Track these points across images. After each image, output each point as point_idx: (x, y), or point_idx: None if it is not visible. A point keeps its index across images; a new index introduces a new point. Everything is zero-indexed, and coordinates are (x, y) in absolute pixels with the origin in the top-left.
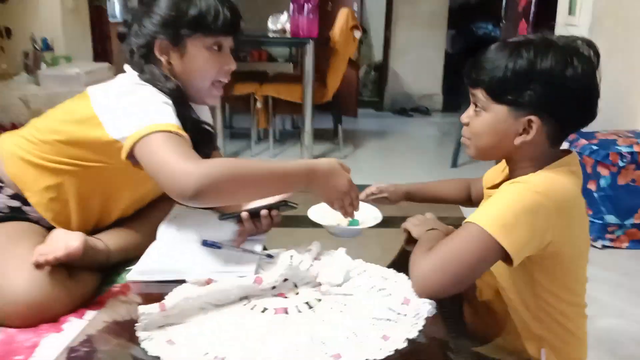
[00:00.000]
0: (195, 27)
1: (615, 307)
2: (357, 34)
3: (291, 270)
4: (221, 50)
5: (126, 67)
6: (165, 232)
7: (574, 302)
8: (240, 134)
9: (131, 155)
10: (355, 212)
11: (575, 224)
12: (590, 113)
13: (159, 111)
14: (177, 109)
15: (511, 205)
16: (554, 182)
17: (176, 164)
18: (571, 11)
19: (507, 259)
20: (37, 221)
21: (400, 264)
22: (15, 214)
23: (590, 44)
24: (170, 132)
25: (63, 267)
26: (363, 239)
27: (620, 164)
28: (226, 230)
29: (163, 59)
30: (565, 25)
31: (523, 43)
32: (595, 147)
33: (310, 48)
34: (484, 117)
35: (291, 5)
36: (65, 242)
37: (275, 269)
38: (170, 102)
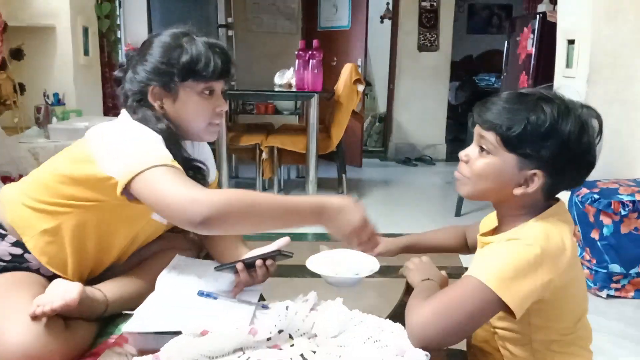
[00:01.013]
0: (187, 75)
1: (621, 357)
2: (361, 88)
3: (286, 321)
4: (212, 94)
5: (122, 110)
6: (163, 282)
7: (572, 352)
8: (246, 183)
9: (127, 191)
10: (353, 262)
11: (570, 274)
12: (583, 179)
13: (152, 147)
14: (168, 148)
15: (510, 259)
16: (550, 235)
17: (184, 193)
18: (568, 64)
19: (508, 311)
20: (38, 269)
21: (399, 314)
22: (17, 262)
23: (598, 118)
24: (166, 165)
25: (60, 318)
26: (361, 289)
27: (623, 212)
28: (223, 281)
29: (156, 104)
30: (563, 77)
31: (544, 99)
32: (596, 196)
33: (314, 101)
34: (490, 161)
35: (296, 61)
36: (63, 292)
37: (270, 320)
38: (160, 138)
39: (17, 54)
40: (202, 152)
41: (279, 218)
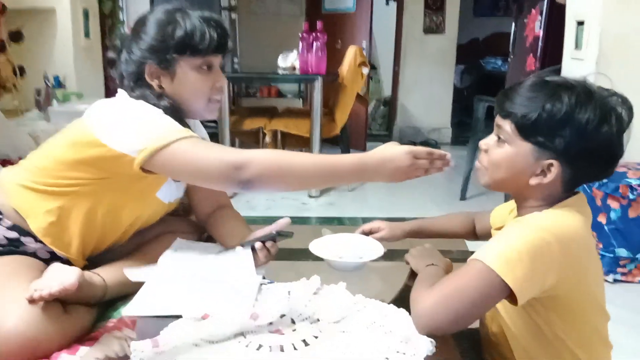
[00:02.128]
0: (183, 50)
1: (628, 346)
2: (365, 71)
3: (289, 305)
4: (211, 69)
5: (120, 90)
6: (163, 266)
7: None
8: None
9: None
10: (357, 246)
11: (582, 265)
12: (608, 171)
13: (166, 120)
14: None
15: (515, 242)
16: (560, 221)
17: (223, 155)
18: (577, 45)
19: (512, 297)
20: (35, 253)
21: (402, 299)
22: (13, 246)
23: (625, 102)
24: (192, 137)
25: (58, 302)
26: (364, 273)
27: (631, 196)
28: (225, 264)
29: (154, 83)
30: (572, 59)
31: (564, 86)
32: (604, 180)
33: (318, 84)
34: (506, 150)
35: (300, 44)
36: (61, 277)
37: (272, 304)
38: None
39: (16, 36)
40: (198, 133)
41: (319, 177)
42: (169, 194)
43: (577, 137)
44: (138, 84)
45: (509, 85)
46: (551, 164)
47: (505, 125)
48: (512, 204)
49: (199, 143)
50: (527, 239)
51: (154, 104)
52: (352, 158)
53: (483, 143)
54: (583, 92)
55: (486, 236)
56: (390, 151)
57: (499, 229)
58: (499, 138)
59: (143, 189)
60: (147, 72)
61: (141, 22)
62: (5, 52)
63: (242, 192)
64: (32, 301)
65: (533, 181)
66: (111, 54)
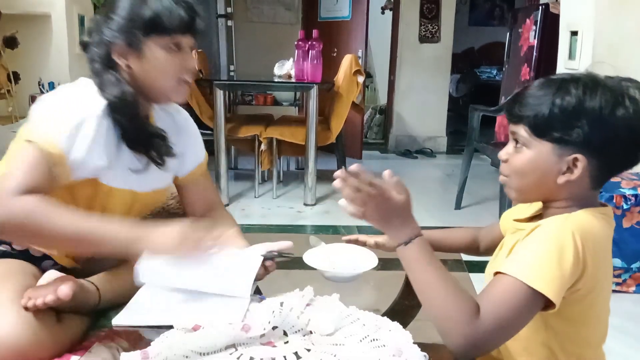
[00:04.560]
0: (150, 29)
1: (619, 353)
2: (361, 79)
3: (281, 317)
4: (180, 49)
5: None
6: (151, 273)
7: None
8: (245, 175)
9: None
10: (350, 256)
11: (602, 269)
12: (636, 156)
13: (49, 122)
14: (121, 116)
15: (546, 250)
16: (588, 224)
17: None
18: (571, 55)
19: (548, 304)
20: (28, 251)
21: (396, 310)
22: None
23: (635, 83)
24: (41, 149)
25: (51, 310)
26: (358, 284)
27: (625, 206)
28: (215, 273)
29: (122, 62)
30: (566, 69)
31: (569, 80)
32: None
33: (314, 92)
34: (526, 154)
35: (296, 52)
36: (56, 286)
37: (264, 315)
38: (80, 119)
39: (11, 42)
40: (187, 131)
41: (73, 245)
42: (138, 183)
43: (594, 125)
44: (105, 67)
45: (503, 94)
46: (576, 159)
47: (520, 130)
48: (520, 206)
49: (27, 153)
50: (557, 244)
51: (106, 95)
52: (118, 223)
53: (503, 153)
54: (590, 80)
55: (491, 250)
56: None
57: (520, 220)
58: (516, 145)
59: (85, 180)
60: (115, 52)
61: (111, 2)
62: None
63: None
64: (25, 309)
65: (561, 180)
66: (84, 37)
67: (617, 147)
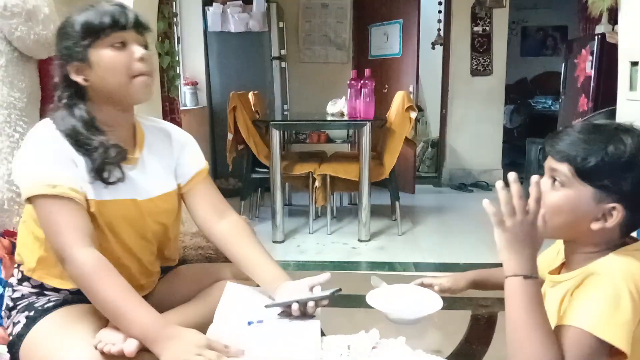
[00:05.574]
0: (87, 36)
1: None
2: (413, 115)
3: None
4: (126, 46)
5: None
6: (222, 314)
7: None
8: (299, 211)
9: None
10: (414, 297)
11: None
12: None
13: (45, 167)
14: (79, 139)
15: (605, 298)
16: (635, 268)
17: (57, 238)
18: (632, 87)
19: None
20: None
21: (462, 353)
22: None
23: None
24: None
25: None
26: (422, 326)
27: None
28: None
29: (80, 79)
30: (627, 100)
31: (621, 129)
32: None
33: (367, 129)
34: (565, 193)
35: (348, 90)
36: (124, 339)
37: (331, 358)
38: (55, 152)
39: None
40: (180, 142)
41: (107, 315)
42: (135, 190)
43: None
44: (66, 94)
45: (560, 128)
46: (613, 208)
47: (563, 168)
48: (557, 244)
49: (56, 205)
50: (614, 291)
51: (62, 129)
52: (149, 317)
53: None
54: None
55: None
56: (184, 332)
57: (553, 272)
58: (554, 181)
59: (111, 212)
60: (71, 73)
61: (55, 40)
62: None
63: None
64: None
65: (595, 226)
66: (56, 79)
67: None
